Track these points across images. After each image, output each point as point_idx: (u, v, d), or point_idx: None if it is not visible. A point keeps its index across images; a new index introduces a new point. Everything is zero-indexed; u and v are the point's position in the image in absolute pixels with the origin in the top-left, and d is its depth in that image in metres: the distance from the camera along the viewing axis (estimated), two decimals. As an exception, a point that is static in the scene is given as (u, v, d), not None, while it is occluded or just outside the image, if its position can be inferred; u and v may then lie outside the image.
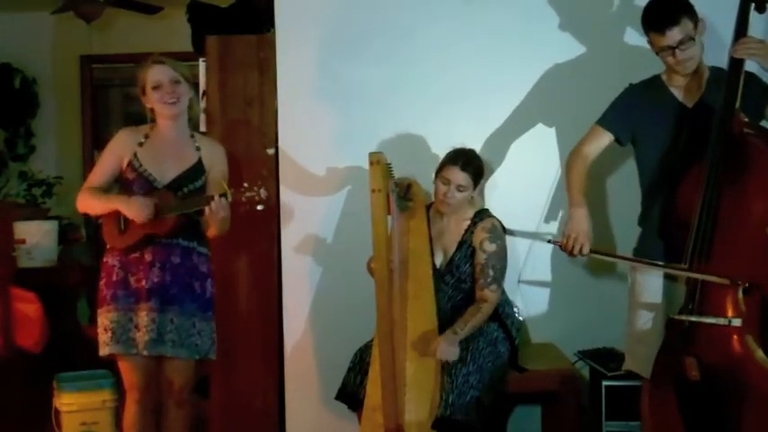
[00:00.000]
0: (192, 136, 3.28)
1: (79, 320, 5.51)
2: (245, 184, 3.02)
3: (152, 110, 3.21)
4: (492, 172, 3.69)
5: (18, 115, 6.51)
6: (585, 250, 2.96)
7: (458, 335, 3.16)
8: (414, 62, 3.72)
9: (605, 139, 3.10)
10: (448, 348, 3.12)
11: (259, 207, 3.02)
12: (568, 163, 3.13)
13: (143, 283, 3.11)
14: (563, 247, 3.00)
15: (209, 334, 3.20)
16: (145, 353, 3.09)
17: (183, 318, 3.12)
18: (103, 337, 3.12)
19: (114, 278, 3.15)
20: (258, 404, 3.83)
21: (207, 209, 3.02)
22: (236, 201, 3.01)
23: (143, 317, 3.09)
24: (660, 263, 2.93)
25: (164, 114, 3.19)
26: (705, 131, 2.81)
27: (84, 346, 4.41)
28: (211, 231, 3.18)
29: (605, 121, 3.09)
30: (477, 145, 3.58)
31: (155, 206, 3.08)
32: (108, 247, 3.22)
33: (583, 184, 3.06)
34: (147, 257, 3.12)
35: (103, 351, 3.13)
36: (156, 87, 3.16)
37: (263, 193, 2.99)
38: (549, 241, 3.14)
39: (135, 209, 3.07)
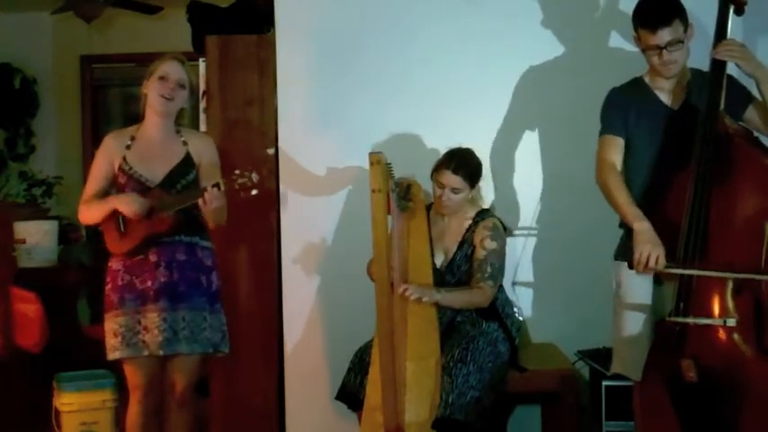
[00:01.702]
0: (179, 131, 3.26)
1: (79, 320, 5.50)
2: (237, 171, 3.01)
3: (145, 95, 3.21)
4: (491, 172, 3.69)
5: (18, 115, 6.50)
6: (662, 261, 2.73)
7: (437, 295, 3.21)
8: (413, 62, 3.73)
9: (620, 143, 2.98)
10: (417, 290, 3.16)
11: (253, 192, 3.00)
12: (603, 180, 2.93)
13: (149, 284, 3.11)
14: (636, 263, 2.76)
15: (218, 326, 3.19)
16: (160, 353, 3.09)
17: (193, 313, 3.13)
18: (112, 341, 3.11)
19: (120, 282, 3.14)
20: (258, 404, 3.82)
21: (200, 201, 3.02)
22: (230, 189, 3.00)
23: (152, 318, 3.09)
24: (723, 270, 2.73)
25: (154, 107, 3.19)
26: (691, 133, 2.79)
27: (84, 346, 4.42)
28: (210, 224, 3.18)
29: (610, 128, 3.00)
30: (476, 145, 3.57)
31: (152, 208, 3.08)
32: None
33: (629, 195, 2.89)
34: (152, 258, 3.13)
35: (113, 355, 3.12)
36: (162, 78, 3.17)
37: (254, 177, 2.98)
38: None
39: (127, 203, 3.08)
